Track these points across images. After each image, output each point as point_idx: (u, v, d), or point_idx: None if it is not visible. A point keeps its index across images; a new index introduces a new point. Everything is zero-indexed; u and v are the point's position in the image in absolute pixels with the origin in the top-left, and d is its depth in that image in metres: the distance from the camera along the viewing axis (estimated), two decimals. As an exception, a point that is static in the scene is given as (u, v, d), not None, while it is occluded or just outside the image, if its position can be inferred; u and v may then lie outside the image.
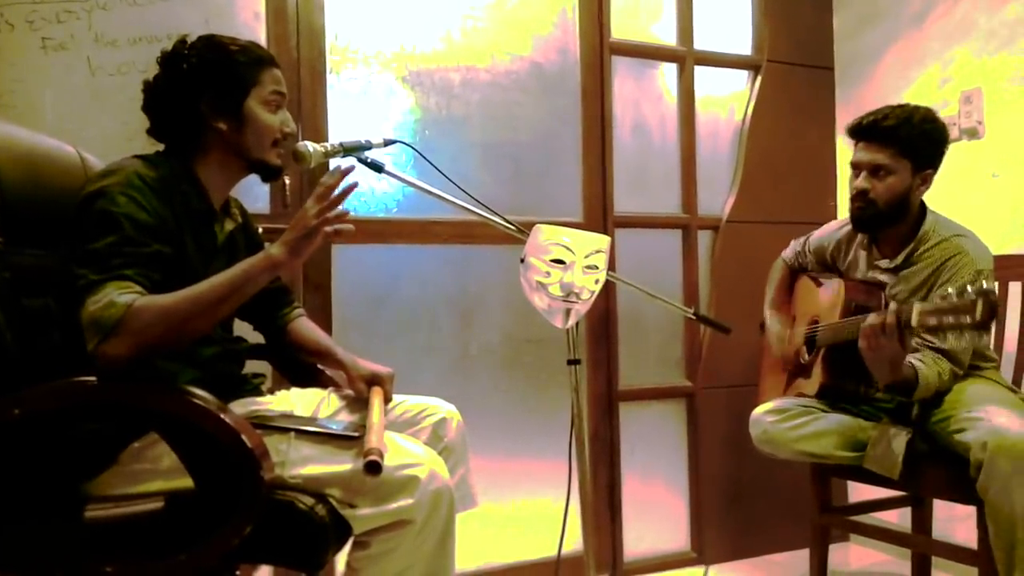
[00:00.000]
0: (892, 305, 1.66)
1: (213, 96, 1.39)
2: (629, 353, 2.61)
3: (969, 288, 1.47)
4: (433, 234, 2.33)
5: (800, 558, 2.66)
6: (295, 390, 1.60)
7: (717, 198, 2.77)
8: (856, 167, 1.97)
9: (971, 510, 1.72)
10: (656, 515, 2.66)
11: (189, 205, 1.38)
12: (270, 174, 1.48)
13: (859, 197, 1.95)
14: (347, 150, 1.55)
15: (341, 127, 2.21)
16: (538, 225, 1.61)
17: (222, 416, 1.17)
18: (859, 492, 2.60)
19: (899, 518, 2.47)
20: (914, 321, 1.56)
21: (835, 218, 2.88)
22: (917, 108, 1.93)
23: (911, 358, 1.76)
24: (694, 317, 1.77)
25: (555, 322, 1.62)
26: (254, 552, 1.23)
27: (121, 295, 1.18)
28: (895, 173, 1.91)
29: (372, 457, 1.15)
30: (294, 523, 1.22)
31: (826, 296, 2.09)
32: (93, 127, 1.96)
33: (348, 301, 2.21)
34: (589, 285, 1.60)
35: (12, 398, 1.18)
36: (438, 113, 2.35)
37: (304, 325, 1.68)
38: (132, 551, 1.20)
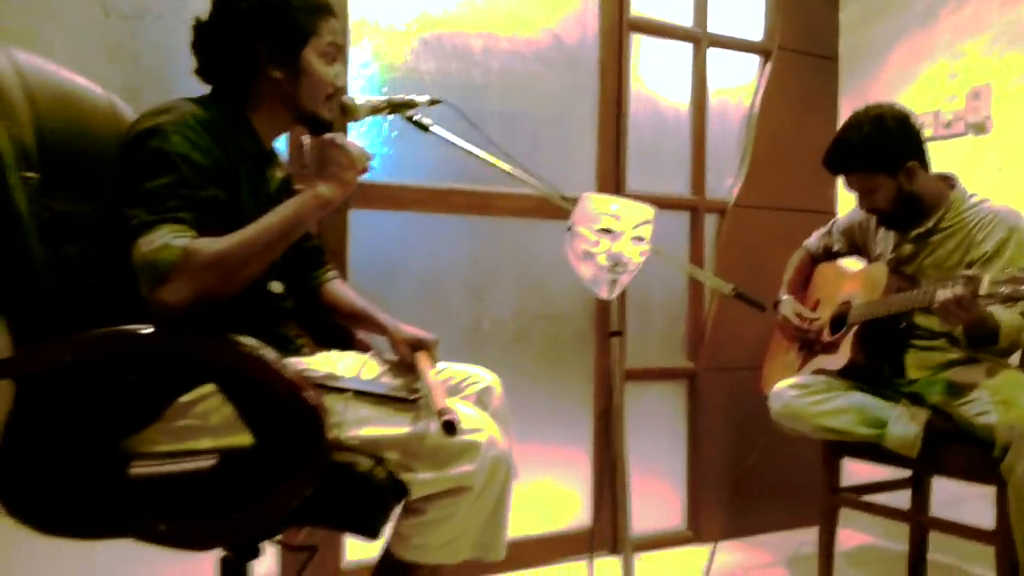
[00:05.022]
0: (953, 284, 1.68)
1: (270, 44, 1.32)
2: (635, 332, 2.61)
3: None
4: (449, 203, 2.28)
5: (791, 537, 2.72)
6: (335, 352, 1.54)
7: (722, 182, 2.78)
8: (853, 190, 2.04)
9: (972, 492, 1.75)
10: (654, 493, 2.67)
11: (243, 149, 1.32)
12: (320, 128, 1.41)
13: (870, 211, 2.05)
14: (393, 106, 1.50)
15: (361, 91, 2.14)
16: (587, 193, 1.58)
17: (284, 372, 1.12)
18: (852, 475, 2.65)
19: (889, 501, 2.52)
20: (984, 291, 1.59)
21: (834, 207, 2.93)
22: (860, 124, 1.94)
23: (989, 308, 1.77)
24: (733, 294, 1.76)
25: (600, 292, 1.59)
26: (312, 514, 1.18)
27: (176, 238, 1.12)
28: (878, 187, 1.96)
29: (448, 417, 1.11)
30: (353, 486, 1.18)
31: (862, 279, 2.11)
32: (106, 72, 1.85)
33: (363, 269, 2.15)
34: (635, 256, 1.57)
35: (63, 343, 1.11)
36: (458, 78, 2.29)
37: (339, 287, 1.63)
38: (184, 509, 1.14)
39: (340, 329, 1.64)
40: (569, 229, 1.58)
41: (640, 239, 1.58)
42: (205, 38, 1.34)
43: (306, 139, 2.06)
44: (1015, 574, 1.72)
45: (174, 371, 1.19)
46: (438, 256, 2.29)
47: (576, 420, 2.51)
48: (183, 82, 1.90)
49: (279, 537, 1.31)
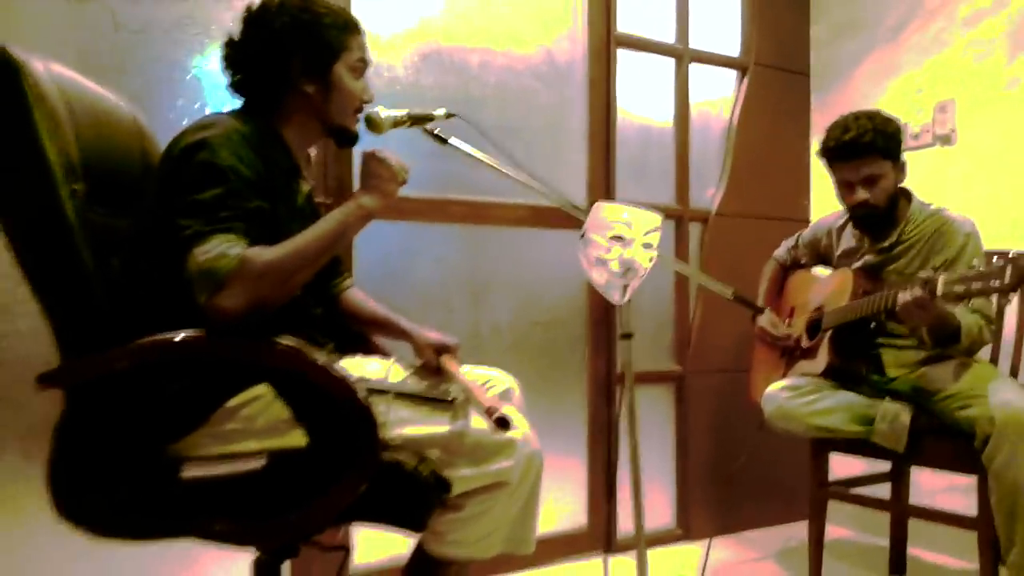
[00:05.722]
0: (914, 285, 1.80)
1: (303, 58, 1.37)
2: (625, 337, 2.69)
3: (996, 258, 1.66)
4: (448, 213, 2.34)
5: (778, 533, 2.83)
6: (358, 357, 1.58)
7: (704, 191, 2.89)
8: (849, 184, 2.09)
9: (944, 483, 1.85)
10: (644, 493, 2.74)
11: (277, 163, 1.36)
12: (347, 140, 1.48)
13: (861, 207, 2.10)
14: (414, 119, 1.56)
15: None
16: (599, 202, 1.65)
17: (338, 374, 1.17)
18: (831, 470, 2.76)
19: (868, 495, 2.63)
20: (940, 291, 1.70)
21: (808, 216, 3.06)
22: (872, 115, 2.07)
23: (951, 310, 1.89)
24: (732, 298, 1.85)
25: (612, 297, 1.67)
26: (361, 511, 1.22)
27: (232, 247, 1.16)
28: (885, 176, 2.07)
29: (500, 413, 1.17)
30: (401, 483, 1.23)
31: (831, 285, 2.23)
32: (116, 85, 1.86)
33: (368, 277, 2.19)
34: (645, 262, 1.65)
35: (120, 350, 1.13)
36: (456, 92, 2.36)
37: (358, 295, 1.68)
38: (240, 508, 1.18)
39: (359, 336, 1.69)
40: (582, 236, 1.66)
41: (649, 245, 1.66)
42: (239, 55, 1.39)
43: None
44: (996, 557, 1.84)
45: (223, 376, 1.23)
46: (439, 264, 2.35)
47: (571, 422, 2.58)
48: (189, 95, 1.96)
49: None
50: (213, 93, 2.00)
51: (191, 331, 1.15)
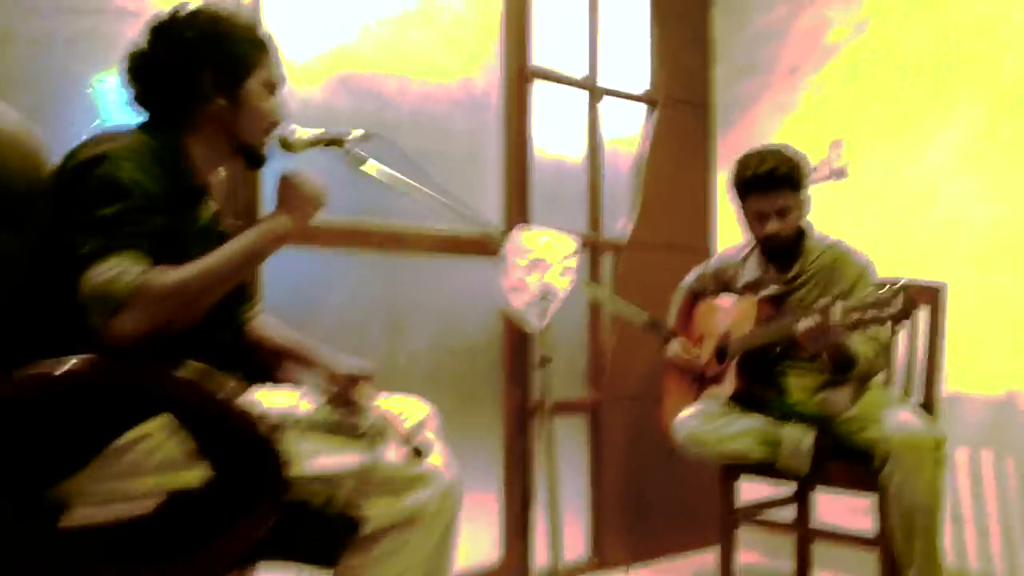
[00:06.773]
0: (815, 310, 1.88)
1: (214, 72, 1.32)
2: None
3: (887, 286, 1.74)
4: (363, 240, 2.28)
5: (689, 559, 2.86)
6: (266, 388, 1.51)
7: (615, 222, 2.94)
8: (763, 215, 2.15)
9: (847, 505, 1.99)
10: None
11: (182, 180, 1.29)
12: (256, 161, 1.43)
13: (773, 238, 2.17)
14: (329, 140, 1.52)
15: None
16: (519, 225, 1.65)
17: (237, 405, 1.11)
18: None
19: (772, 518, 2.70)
20: (837, 319, 1.78)
21: (712, 245, 3.16)
22: (783, 149, 2.18)
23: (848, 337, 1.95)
24: (647, 321, 1.88)
25: (531, 321, 1.66)
26: (270, 550, 1.15)
27: (132, 266, 1.09)
28: (795, 208, 2.16)
29: (416, 443, 1.13)
30: (310, 518, 1.17)
31: (735, 312, 2.29)
32: (6, 98, 1.75)
33: (279, 307, 2.09)
34: (564, 286, 1.66)
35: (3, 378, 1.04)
36: (370, 117, 2.32)
37: (267, 323, 1.61)
38: (131, 554, 1.09)
39: (268, 366, 1.61)
40: (501, 261, 1.65)
41: (568, 269, 1.67)
42: (145, 66, 1.32)
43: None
44: (895, 574, 1.91)
45: (114, 408, 1.14)
46: (353, 293, 2.29)
47: (485, 453, 2.55)
48: (90, 110, 1.86)
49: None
50: (116, 108, 1.90)
51: (77, 359, 1.07)
